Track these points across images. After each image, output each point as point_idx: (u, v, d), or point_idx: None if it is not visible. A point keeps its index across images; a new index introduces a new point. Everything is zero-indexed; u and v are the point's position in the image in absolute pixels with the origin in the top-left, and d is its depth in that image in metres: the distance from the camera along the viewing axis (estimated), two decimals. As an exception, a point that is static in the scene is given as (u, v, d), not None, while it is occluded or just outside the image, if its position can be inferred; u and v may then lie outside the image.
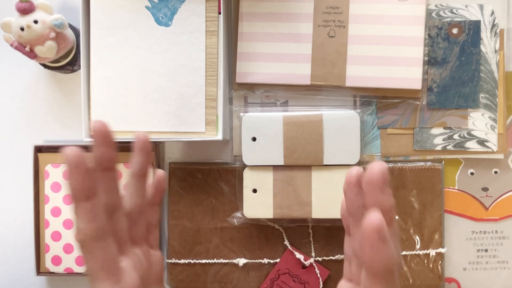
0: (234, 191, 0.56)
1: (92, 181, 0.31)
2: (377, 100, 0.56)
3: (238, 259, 0.56)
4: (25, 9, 0.49)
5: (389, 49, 0.54)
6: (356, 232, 0.33)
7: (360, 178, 0.32)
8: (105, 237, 0.32)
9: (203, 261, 0.56)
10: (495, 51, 0.54)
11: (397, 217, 0.56)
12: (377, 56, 0.54)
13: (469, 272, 0.57)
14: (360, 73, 0.54)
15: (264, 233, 0.56)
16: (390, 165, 0.56)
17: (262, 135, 0.53)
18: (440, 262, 0.55)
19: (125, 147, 0.56)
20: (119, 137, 0.53)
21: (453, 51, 0.55)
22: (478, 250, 0.56)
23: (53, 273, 0.57)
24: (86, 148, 0.56)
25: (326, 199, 0.53)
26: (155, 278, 0.39)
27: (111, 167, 0.34)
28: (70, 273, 0.57)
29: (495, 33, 0.54)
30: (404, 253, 0.55)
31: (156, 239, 0.41)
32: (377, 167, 0.28)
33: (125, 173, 0.56)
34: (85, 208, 0.31)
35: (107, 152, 0.34)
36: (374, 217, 0.26)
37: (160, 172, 0.41)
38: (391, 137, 0.56)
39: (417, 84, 0.54)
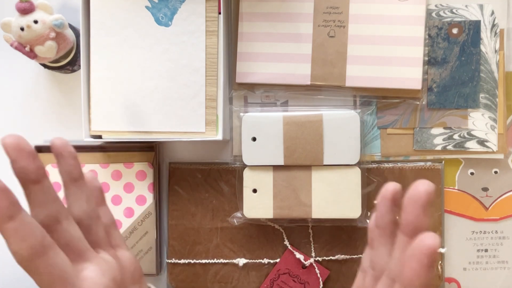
0: (234, 191, 0.56)
1: (11, 199, 0.29)
2: (377, 100, 0.56)
3: (238, 259, 0.56)
4: (25, 9, 0.49)
5: (389, 49, 0.54)
6: (380, 246, 0.33)
7: (396, 195, 0.32)
8: (46, 252, 0.30)
9: (203, 261, 0.56)
10: (495, 51, 0.54)
11: (397, 217, 0.55)
12: (377, 56, 0.54)
13: (469, 272, 0.57)
14: (360, 73, 0.54)
15: (264, 233, 0.56)
16: (390, 165, 0.56)
17: (262, 135, 0.53)
18: (440, 262, 0.55)
19: (125, 147, 0.56)
20: (119, 137, 0.53)
21: (453, 51, 0.55)
22: (478, 250, 0.56)
23: (53, 273, 0.57)
24: (86, 147, 0.56)
25: (326, 199, 0.53)
26: (132, 278, 0.38)
27: (39, 179, 0.32)
28: (70, 273, 0.57)
29: (495, 33, 0.54)
30: (404, 253, 0.55)
31: (119, 239, 0.40)
32: (424, 186, 0.28)
33: (125, 173, 0.56)
34: (12, 228, 0.29)
35: (28, 165, 0.32)
36: (431, 239, 0.27)
37: (87, 173, 0.39)
38: (391, 137, 0.56)
39: (417, 84, 0.54)
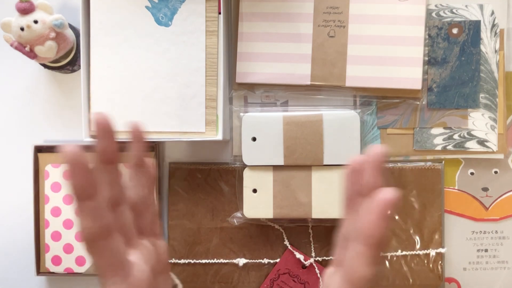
0: (234, 191, 0.56)
1: (93, 180, 0.31)
2: (377, 100, 0.56)
3: (238, 259, 0.56)
4: (25, 9, 0.49)
5: (389, 49, 0.54)
6: (351, 215, 0.35)
7: (361, 166, 0.34)
8: (110, 234, 0.32)
9: (203, 261, 0.56)
10: (495, 51, 0.54)
11: (397, 217, 0.56)
12: (377, 56, 0.54)
13: (469, 272, 0.57)
14: (360, 73, 0.54)
15: (264, 233, 0.56)
16: (390, 165, 0.56)
17: (262, 135, 0.53)
18: (440, 262, 0.55)
19: (125, 147, 0.56)
20: (119, 137, 0.53)
21: (453, 51, 0.55)
22: (478, 250, 0.56)
23: (53, 273, 0.57)
24: (86, 147, 0.56)
25: (326, 199, 0.53)
26: (163, 267, 0.38)
27: (113, 160, 0.34)
28: (70, 273, 0.57)
29: (495, 33, 0.54)
30: (404, 253, 0.55)
31: (158, 228, 0.40)
32: (377, 148, 0.31)
33: (125, 173, 0.56)
34: (88, 207, 0.31)
35: (108, 145, 0.33)
36: (389, 192, 0.29)
37: (148, 161, 0.40)
38: (391, 137, 0.56)
39: (417, 84, 0.54)
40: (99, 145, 0.33)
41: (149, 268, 0.35)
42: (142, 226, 0.37)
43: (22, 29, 0.49)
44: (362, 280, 0.30)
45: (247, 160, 0.54)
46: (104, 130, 0.33)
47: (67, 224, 0.56)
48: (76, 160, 0.30)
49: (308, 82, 0.55)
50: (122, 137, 0.53)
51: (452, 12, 0.55)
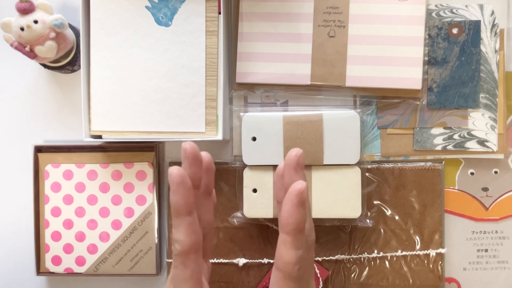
0: (234, 191, 0.56)
1: (193, 197, 0.34)
2: (377, 100, 0.56)
3: (238, 259, 0.56)
4: (25, 9, 0.49)
5: (389, 49, 0.54)
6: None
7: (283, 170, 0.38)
8: (199, 250, 0.35)
9: (203, 261, 0.56)
10: (495, 51, 0.54)
11: (397, 217, 0.56)
12: (377, 56, 0.54)
13: (469, 272, 0.57)
14: (360, 73, 0.54)
15: (264, 233, 0.56)
16: (390, 165, 0.56)
17: (262, 135, 0.53)
18: (440, 262, 0.55)
19: (125, 147, 0.56)
20: (119, 137, 0.53)
21: (453, 51, 0.55)
22: (478, 250, 0.56)
23: (53, 273, 0.57)
24: (86, 148, 0.56)
25: (326, 199, 0.53)
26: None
27: (198, 186, 0.37)
28: (70, 273, 0.57)
29: (495, 33, 0.54)
30: (404, 253, 0.55)
31: (211, 249, 0.44)
32: (294, 152, 0.35)
33: (125, 173, 0.56)
34: (187, 221, 0.34)
35: (196, 171, 0.36)
36: (299, 184, 0.33)
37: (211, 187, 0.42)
38: (391, 137, 0.56)
39: (417, 84, 0.54)
40: (188, 171, 0.36)
41: (206, 286, 0.38)
42: (204, 248, 0.40)
43: (22, 29, 0.49)
44: (289, 265, 0.33)
45: (247, 160, 0.54)
46: (193, 158, 0.35)
47: (67, 224, 0.56)
48: (182, 179, 0.33)
49: (308, 82, 0.55)
50: (121, 137, 0.53)
51: (452, 12, 0.55)
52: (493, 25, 0.54)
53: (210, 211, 0.40)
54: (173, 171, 0.33)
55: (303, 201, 0.33)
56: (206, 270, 0.40)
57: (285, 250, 0.33)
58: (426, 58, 0.55)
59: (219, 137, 0.52)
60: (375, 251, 0.56)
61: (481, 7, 0.54)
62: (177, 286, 0.35)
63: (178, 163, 0.57)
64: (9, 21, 0.50)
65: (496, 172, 0.56)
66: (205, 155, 0.38)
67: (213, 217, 0.41)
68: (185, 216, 0.34)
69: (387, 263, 0.56)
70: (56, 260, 0.57)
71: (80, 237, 0.56)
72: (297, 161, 0.35)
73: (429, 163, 0.56)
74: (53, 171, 0.57)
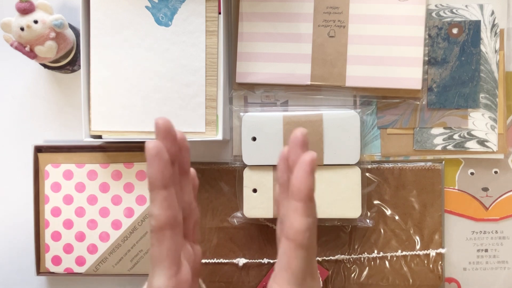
0: (234, 191, 0.56)
1: (169, 171, 0.33)
2: (377, 100, 0.56)
3: (238, 259, 0.56)
4: (25, 9, 0.49)
5: (389, 49, 0.54)
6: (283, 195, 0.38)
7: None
8: (176, 226, 0.34)
9: (203, 261, 0.56)
10: (495, 51, 0.54)
11: (397, 217, 0.56)
12: (377, 56, 0.54)
13: (469, 272, 0.57)
14: (360, 73, 0.54)
15: (264, 233, 0.56)
16: (390, 165, 0.56)
17: (262, 135, 0.53)
18: (440, 262, 0.55)
19: (125, 147, 0.56)
20: (119, 137, 0.53)
21: (453, 51, 0.55)
22: (478, 250, 0.56)
23: (53, 273, 0.57)
24: (86, 148, 0.56)
25: (326, 199, 0.53)
26: (198, 272, 0.40)
27: (173, 162, 0.36)
28: (70, 273, 0.57)
29: (495, 33, 0.54)
30: (404, 253, 0.55)
31: (198, 234, 0.42)
32: (299, 131, 0.35)
33: (125, 173, 0.56)
34: (162, 195, 0.33)
35: (171, 146, 0.35)
36: (310, 154, 0.33)
37: (192, 169, 0.41)
38: (391, 137, 0.56)
39: (417, 84, 0.54)
40: (168, 146, 0.35)
41: (191, 270, 0.37)
42: (186, 231, 0.39)
43: (22, 29, 0.49)
44: (300, 233, 0.33)
45: (247, 160, 0.54)
46: (165, 131, 0.35)
47: (67, 224, 0.56)
48: (157, 151, 0.32)
49: (308, 82, 0.55)
50: (121, 137, 0.53)
51: (452, 12, 0.55)
52: (493, 25, 0.54)
53: (190, 192, 0.39)
54: (149, 144, 0.32)
55: (314, 169, 0.33)
56: (192, 254, 0.39)
57: (296, 217, 0.33)
58: (426, 58, 0.55)
59: (219, 137, 0.52)
60: (375, 251, 0.56)
61: (481, 7, 0.54)
62: (153, 265, 0.34)
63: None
64: (9, 21, 0.50)
65: (496, 172, 0.56)
66: (178, 132, 0.37)
67: (193, 198, 0.40)
68: (160, 190, 0.33)
69: (387, 263, 0.56)
70: (56, 260, 0.57)
71: (80, 237, 0.56)
72: (303, 139, 0.35)
73: (429, 163, 0.56)
74: (53, 171, 0.57)
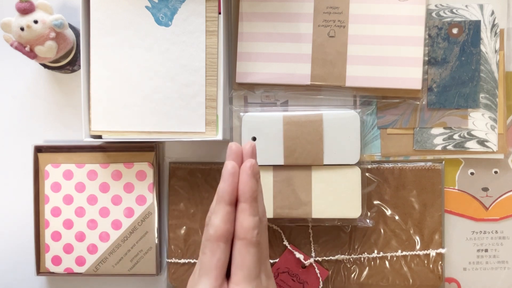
0: (234, 191, 0.56)
1: (237, 191, 0.38)
2: (377, 100, 0.56)
3: (238, 259, 0.56)
4: (25, 9, 0.49)
5: (389, 49, 0.54)
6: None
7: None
8: (229, 242, 0.37)
9: (203, 261, 0.56)
10: (495, 51, 0.54)
11: (397, 217, 0.56)
12: (377, 56, 0.54)
13: (469, 272, 0.57)
14: (360, 73, 0.54)
15: (264, 233, 0.56)
16: (390, 165, 0.56)
17: (262, 135, 0.53)
18: (440, 262, 0.55)
19: (125, 147, 0.56)
20: (119, 137, 0.53)
21: (453, 51, 0.55)
22: (478, 250, 0.56)
23: (53, 273, 0.57)
24: (86, 148, 0.56)
25: (326, 199, 0.53)
26: None
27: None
28: (70, 273, 0.57)
29: (495, 33, 0.54)
30: (404, 253, 0.55)
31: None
32: (248, 144, 0.40)
33: (125, 173, 0.56)
34: (226, 210, 0.37)
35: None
36: (249, 160, 0.38)
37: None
38: (391, 137, 0.56)
39: (417, 84, 0.54)
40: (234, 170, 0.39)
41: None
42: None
43: (22, 29, 0.49)
44: (249, 230, 0.37)
45: (247, 160, 0.54)
46: (236, 155, 0.39)
47: (67, 224, 0.56)
48: (234, 170, 0.38)
49: (308, 82, 0.55)
50: (121, 137, 0.53)
51: (452, 12, 0.55)
52: (493, 25, 0.54)
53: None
54: (229, 164, 0.38)
55: (255, 173, 0.38)
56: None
57: (244, 217, 0.37)
58: (426, 58, 0.55)
59: (219, 137, 0.52)
60: (375, 251, 0.56)
61: (481, 7, 0.54)
62: (202, 271, 0.37)
63: (179, 163, 0.57)
64: (9, 21, 0.50)
65: (496, 172, 0.56)
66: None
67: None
68: (226, 205, 0.37)
69: (387, 263, 0.56)
70: (56, 260, 0.57)
71: (80, 237, 0.56)
72: (252, 150, 0.40)
73: (429, 163, 0.56)
74: (53, 171, 0.57)
